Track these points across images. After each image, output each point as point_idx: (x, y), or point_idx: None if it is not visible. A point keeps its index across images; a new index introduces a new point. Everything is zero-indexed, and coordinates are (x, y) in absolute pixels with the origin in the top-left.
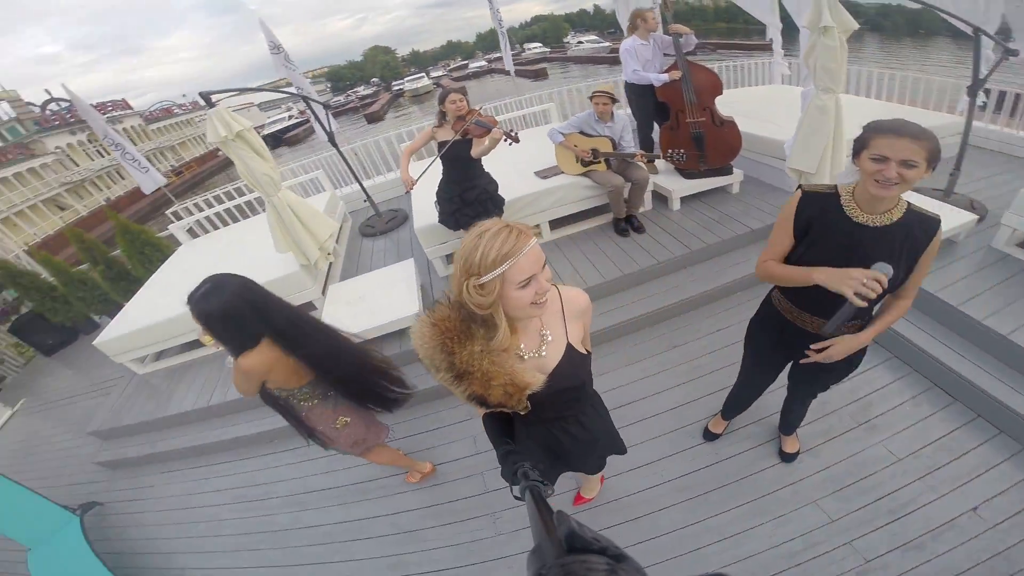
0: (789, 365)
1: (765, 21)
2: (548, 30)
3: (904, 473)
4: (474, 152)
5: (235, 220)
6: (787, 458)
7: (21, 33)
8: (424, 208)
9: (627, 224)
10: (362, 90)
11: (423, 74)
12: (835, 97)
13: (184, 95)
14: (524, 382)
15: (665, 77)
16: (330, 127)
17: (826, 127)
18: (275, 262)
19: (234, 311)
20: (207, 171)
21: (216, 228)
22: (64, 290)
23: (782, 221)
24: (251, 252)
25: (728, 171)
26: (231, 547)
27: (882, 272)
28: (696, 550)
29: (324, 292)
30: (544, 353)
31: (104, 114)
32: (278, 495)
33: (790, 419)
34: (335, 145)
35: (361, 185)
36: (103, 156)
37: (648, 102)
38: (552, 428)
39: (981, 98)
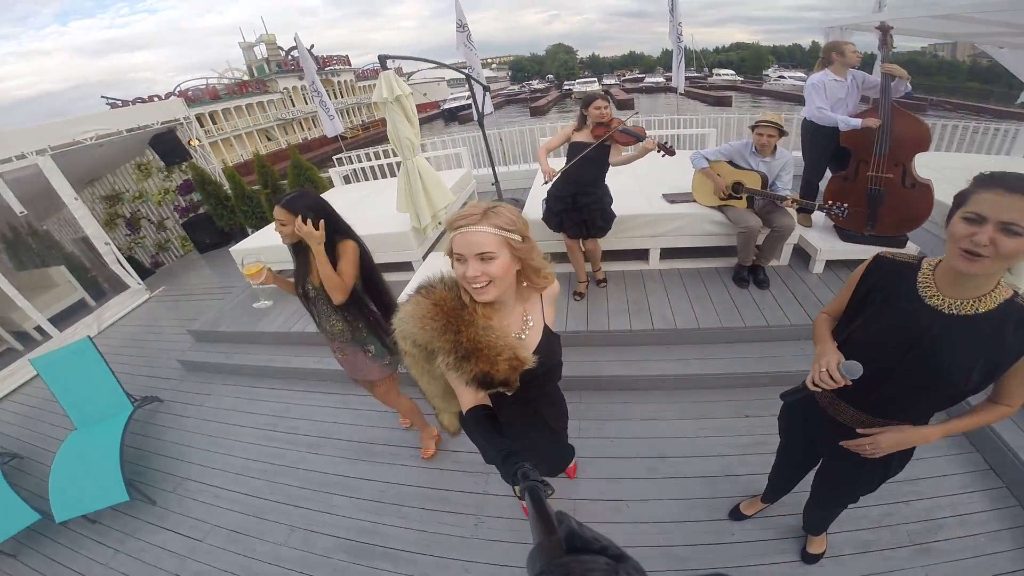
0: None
1: None
2: (747, 59)
3: None
4: (614, 159)
5: (384, 177)
6: (808, 559)
7: None
8: (533, 205)
9: (750, 274)
10: (536, 83)
11: (595, 79)
12: None
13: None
14: (524, 357)
15: (858, 123)
16: (482, 109)
17: None
18: (393, 219)
19: (326, 205)
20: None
21: (367, 180)
22: (235, 201)
23: (850, 281)
24: (378, 206)
25: (901, 243)
26: (235, 469)
27: (847, 374)
28: None
29: (424, 257)
30: (526, 336)
31: (327, 67)
32: (300, 432)
33: (810, 522)
34: (482, 126)
35: (493, 169)
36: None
37: (826, 145)
38: (536, 405)
39: None
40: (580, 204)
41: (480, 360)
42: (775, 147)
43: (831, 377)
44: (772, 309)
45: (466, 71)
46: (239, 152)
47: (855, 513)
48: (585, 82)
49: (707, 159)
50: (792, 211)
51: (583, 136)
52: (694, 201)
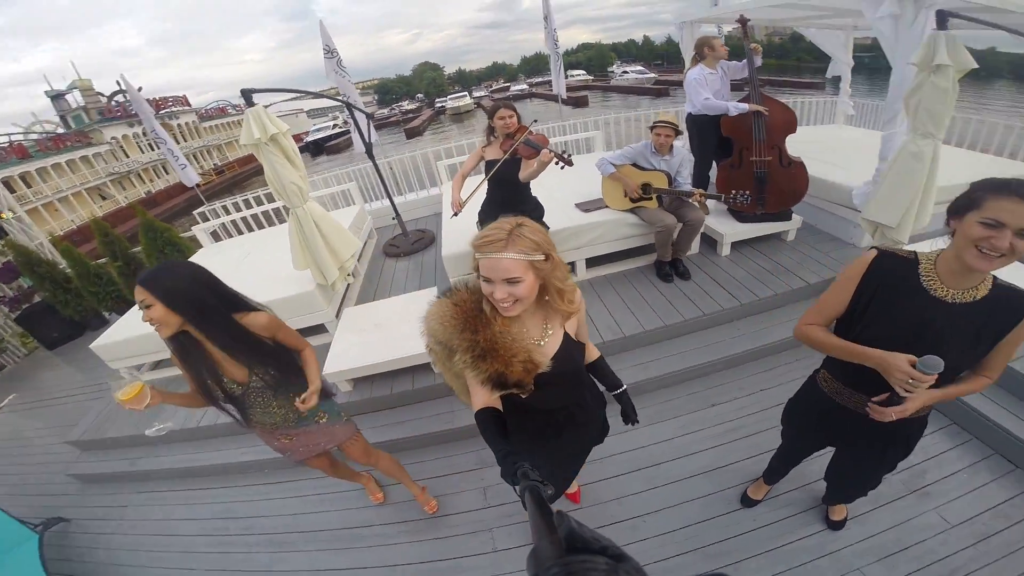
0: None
1: (835, 57)
2: (593, 58)
3: (957, 540)
4: (522, 175)
5: (261, 227)
6: (834, 526)
7: (111, 25)
8: (455, 234)
9: (671, 269)
10: (407, 104)
11: (466, 93)
12: (934, 143)
13: (240, 96)
14: (538, 360)
15: (745, 107)
16: (369, 138)
17: (918, 176)
18: (291, 278)
19: (206, 275)
20: (248, 172)
21: (242, 234)
22: (78, 283)
23: (844, 281)
24: (268, 264)
25: (787, 216)
26: None
27: (929, 371)
28: None
29: (338, 315)
30: (545, 342)
31: (163, 109)
32: (261, 531)
33: (832, 498)
34: (372, 157)
35: (392, 201)
36: (153, 150)
37: (712, 136)
38: (551, 416)
39: None
40: None
41: (496, 360)
42: (671, 146)
43: (919, 379)
44: (701, 297)
45: (343, 98)
46: (68, 217)
47: None
48: (456, 97)
49: (613, 164)
50: (699, 204)
51: (493, 152)
52: (607, 207)
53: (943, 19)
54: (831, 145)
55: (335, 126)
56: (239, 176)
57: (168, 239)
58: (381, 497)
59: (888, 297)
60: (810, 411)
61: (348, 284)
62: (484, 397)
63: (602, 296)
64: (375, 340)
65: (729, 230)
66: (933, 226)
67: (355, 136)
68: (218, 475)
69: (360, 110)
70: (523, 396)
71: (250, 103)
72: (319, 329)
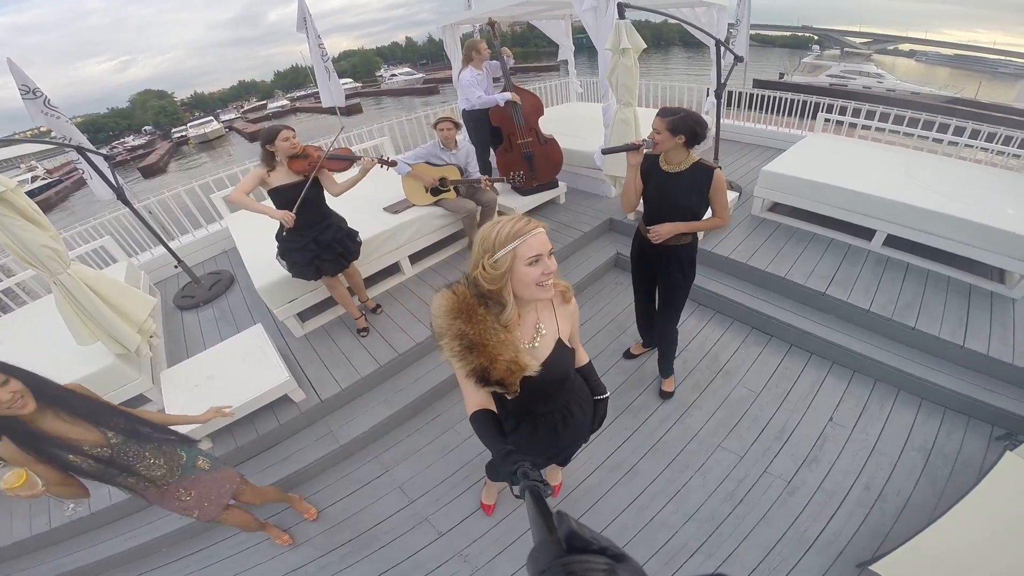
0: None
1: (561, 44)
2: (359, 65)
3: (768, 403)
4: (335, 190)
5: (7, 308)
6: (665, 396)
7: None
8: (260, 265)
9: None
10: (131, 140)
11: (211, 118)
12: (633, 109)
13: None
14: (525, 363)
15: (508, 96)
16: (117, 181)
17: (629, 135)
18: (79, 355)
19: None
20: None
21: None
22: None
23: (631, 176)
24: (46, 347)
25: (555, 185)
26: None
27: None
28: (655, 517)
29: (155, 381)
30: (537, 345)
31: None
32: None
33: (662, 356)
34: (127, 203)
35: (168, 248)
36: None
37: (485, 127)
38: (548, 418)
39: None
40: (325, 241)
41: (481, 355)
42: (456, 140)
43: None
44: None
45: (74, 144)
46: None
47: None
48: (201, 123)
49: (408, 164)
50: (489, 187)
51: (282, 176)
52: (413, 205)
53: (621, 10)
54: (572, 121)
55: (34, 179)
56: None
57: None
58: (288, 539)
59: (647, 172)
60: (635, 248)
61: (152, 347)
62: (475, 398)
63: (433, 286)
64: (213, 391)
65: (518, 203)
66: None
67: (95, 183)
68: (120, 565)
69: (94, 151)
70: (508, 397)
71: None
72: (139, 401)
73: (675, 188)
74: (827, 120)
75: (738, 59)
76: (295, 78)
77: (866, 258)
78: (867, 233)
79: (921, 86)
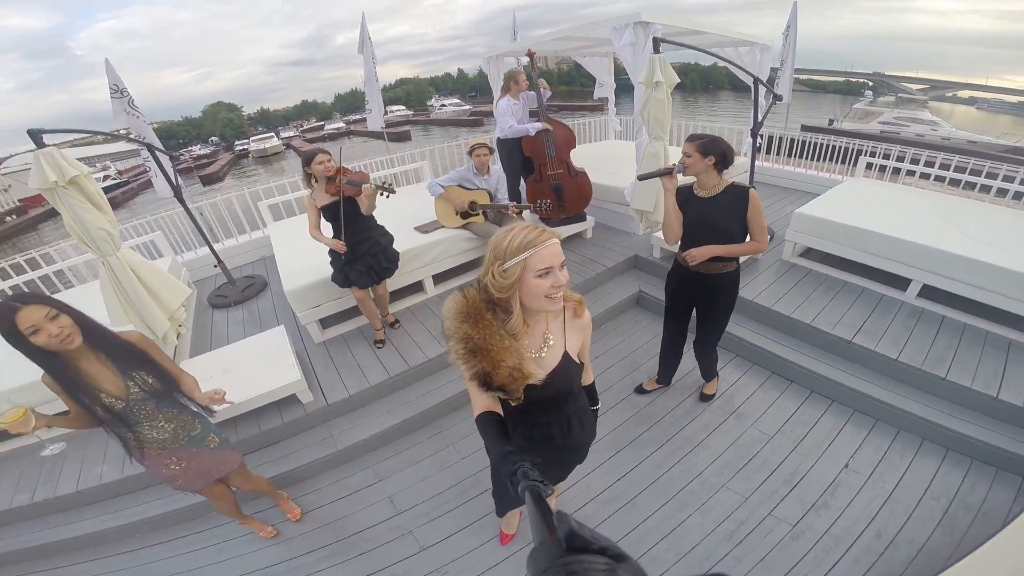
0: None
1: (603, 81)
2: (412, 93)
3: (780, 447)
4: (363, 208)
5: (55, 290)
6: (705, 399)
7: None
8: (293, 271)
9: None
10: (198, 149)
11: (272, 134)
12: (663, 144)
13: None
14: (528, 371)
15: (539, 125)
16: (177, 181)
17: (657, 168)
18: None
19: None
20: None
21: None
22: None
23: (671, 205)
24: None
25: (583, 218)
26: None
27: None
28: (647, 552)
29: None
30: (544, 355)
31: None
32: None
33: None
34: (182, 202)
35: (212, 248)
36: None
37: (517, 157)
38: (546, 429)
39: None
40: (359, 253)
41: (484, 360)
42: (489, 166)
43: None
44: None
45: (145, 142)
46: None
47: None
48: (262, 138)
49: (441, 186)
50: (515, 214)
51: (322, 197)
52: (443, 226)
53: (656, 45)
54: (607, 157)
55: (106, 177)
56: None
57: None
58: (272, 531)
59: (684, 201)
60: (673, 276)
61: (178, 337)
62: (481, 401)
63: None
64: (228, 384)
65: None
66: None
67: (158, 181)
68: (120, 538)
69: (162, 151)
70: (512, 403)
71: (40, 144)
72: None
73: (713, 212)
74: (869, 166)
75: (777, 98)
76: (353, 101)
77: (899, 309)
78: (902, 283)
79: (979, 134)
